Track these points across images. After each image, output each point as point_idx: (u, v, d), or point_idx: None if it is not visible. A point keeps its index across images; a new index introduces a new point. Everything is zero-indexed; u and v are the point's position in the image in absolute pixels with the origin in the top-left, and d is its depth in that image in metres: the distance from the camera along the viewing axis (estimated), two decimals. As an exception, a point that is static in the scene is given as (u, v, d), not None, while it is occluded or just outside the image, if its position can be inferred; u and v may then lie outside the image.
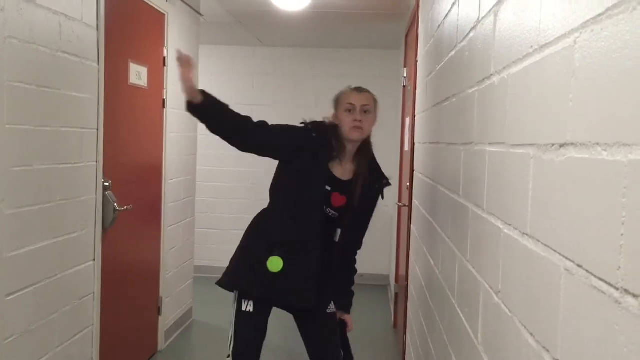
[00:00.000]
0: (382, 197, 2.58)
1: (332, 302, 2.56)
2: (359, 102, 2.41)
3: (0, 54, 2.07)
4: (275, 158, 2.47)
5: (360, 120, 2.39)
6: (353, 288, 2.70)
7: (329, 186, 2.40)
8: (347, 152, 2.45)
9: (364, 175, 2.46)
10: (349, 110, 2.41)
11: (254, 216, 2.59)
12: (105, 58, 2.88)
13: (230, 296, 2.54)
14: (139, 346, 3.74)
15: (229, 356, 2.49)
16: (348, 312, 2.66)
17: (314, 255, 2.42)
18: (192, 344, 4.29)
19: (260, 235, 2.48)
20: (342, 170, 2.45)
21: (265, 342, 2.56)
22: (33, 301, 2.35)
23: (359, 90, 2.48)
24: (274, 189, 2.50)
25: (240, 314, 2.47)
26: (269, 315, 2.53)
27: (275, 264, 2.35)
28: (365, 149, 2.50)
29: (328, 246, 2.47)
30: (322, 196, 2.39)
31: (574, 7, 0.85)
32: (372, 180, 2.51)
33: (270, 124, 2.41)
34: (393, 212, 5.61)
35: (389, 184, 2.58)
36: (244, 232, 2.57)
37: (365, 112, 2.42)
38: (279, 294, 2.44)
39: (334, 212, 2.44)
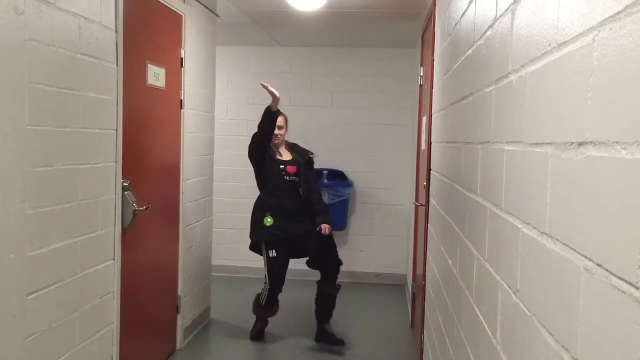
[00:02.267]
0: (313, 163, 4.42)
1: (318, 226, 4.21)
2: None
3: (21, 56, 2.10)
4: (255, 163, 4.21)
5: (276, 134, 4.18)
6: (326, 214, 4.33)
7: (282, 165, 4.20)
8: (281, 148, 4.29)
9: (296, 154, 4.32)
10: None
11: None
12: (123, 59, 2.91)
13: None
14: (158, 344, 3.77)
15: (265, 284, 4.19)
16: (325, 223, 4.19)
17: (289, 207, 4.15)
18: (210, 343, 4.32)
19: (258, 209, 4.22)
20: (286, 156, 4.27)
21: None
22: (54, 300, 2.39)
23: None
24: (258, 182, 4.27)
25: (268, 259, 4.15)
26: (286, 257, 4.18)
27: (268, 220, 4.12)
28: (290, 144, 4.40)
29: (299, 201, 4.20)
30: (280, 172, 4.17)
31: (593, 4, 0.84)
32: (303, 154, 4.35)
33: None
34: (410, 211, 5.60)
35: (312, 153, 4.44)
36: None
37: (279, 127, 4.18)
38: (284, 235, 4.13)
39: (294, 177, 4.20)
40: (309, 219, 4.20)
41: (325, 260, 4.25)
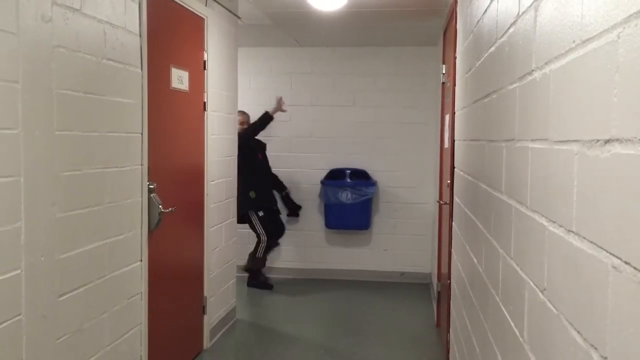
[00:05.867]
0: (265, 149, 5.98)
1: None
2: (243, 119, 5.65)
3: (49, 62, 2.15)
4: (246, 150, 5.46)
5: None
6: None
7: (259, 152, 5.78)
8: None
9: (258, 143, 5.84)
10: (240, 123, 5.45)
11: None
12: (148, 63, 2.95)
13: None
14: (185, 345, 3.81)
15: (264, 240, 5.67)
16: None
17: (268, 187, 5.84)
18: (236, 343, 4.35)
19: (244, 186, 5.29)
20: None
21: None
22: (84, 301, 2.44)
23: (241, 113, 5.44)
24: (243, 167, 5.13)
25: (259, 217, 5.64)
26: (271, 216, 5.83)
27: (251, 194, 5.54)
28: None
29: (268, 176, 5.91)
30: (258, 157, 5.72)
31: (617, 1, 0.84)
32: (262, 144, 5.87)
33: None
34: (434, 209, 5.58)
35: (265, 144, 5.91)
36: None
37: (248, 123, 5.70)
38: (264, 203, 5.71)
39: (262, 160, 5.80)
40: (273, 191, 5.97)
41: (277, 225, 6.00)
